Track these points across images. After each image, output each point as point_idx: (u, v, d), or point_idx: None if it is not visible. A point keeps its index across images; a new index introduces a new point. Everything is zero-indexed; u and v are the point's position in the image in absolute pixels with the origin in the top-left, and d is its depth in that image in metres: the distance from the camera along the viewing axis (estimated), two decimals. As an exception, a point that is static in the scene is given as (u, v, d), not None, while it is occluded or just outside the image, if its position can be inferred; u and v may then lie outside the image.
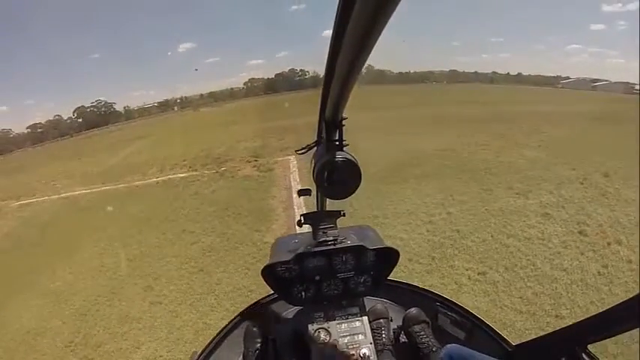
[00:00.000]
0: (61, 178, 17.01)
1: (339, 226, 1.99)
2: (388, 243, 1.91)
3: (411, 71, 69.94)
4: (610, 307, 1.26)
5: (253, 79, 71.42)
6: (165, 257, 6.88)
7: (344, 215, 1.95)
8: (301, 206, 8.04)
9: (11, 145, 53.82)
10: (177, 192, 10.82)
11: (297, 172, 11.09)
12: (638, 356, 3.45)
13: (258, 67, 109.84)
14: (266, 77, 72.19)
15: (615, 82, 50.21)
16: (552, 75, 63.55)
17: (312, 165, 1.45)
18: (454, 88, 50.15)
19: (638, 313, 1.15)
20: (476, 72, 69.22)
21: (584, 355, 1.40)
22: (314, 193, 1.92)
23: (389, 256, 1.90)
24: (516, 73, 67.66)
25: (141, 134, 29.03)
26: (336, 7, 0.66)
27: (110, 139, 31.93)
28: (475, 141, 13.33)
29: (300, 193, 2.14)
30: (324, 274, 1.89)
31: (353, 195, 1.41)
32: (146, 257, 7.07)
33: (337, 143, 1.40)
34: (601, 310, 1.31)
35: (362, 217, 6.94)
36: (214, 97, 65.77)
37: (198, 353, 2.02)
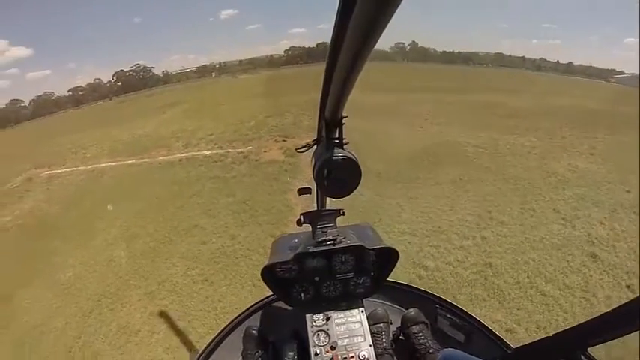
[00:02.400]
0: (91, 146, 17.33)
1: (338, 225, 1.94)
2: (388, 242, 1.88)
3: (456, 51, 66.07)
4: (610, 309, 1.22)
5: (294, 47, 69.32)
6: (172, 257, 6.55)
7: (344, 214, 1.90)
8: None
9: (54, 107, 55.98)
10: (198, 174, 10.45)
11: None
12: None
13: (300, 35, 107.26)
14: (307, 46, 69.02)
15: (675, 84, 44.74)
16: (605, 68, 57.73)
17: (312, 163, 1.44)
18: (499, 72, 46.61)
19: (639, 315, 1.10)
20: (523, 57, 64.22)
21: (583, 358, 1.37)
22: (314, 191, 2.02)
23: (389, 256, 1.89)
24: (567, 62, 62.14)
25: (175, 101, 28.76)
26: (336, 7, 0.69)
27: (144, 105, 32.04)
28: (520, 141, 11.93)
29: (300, 191, 2.20)
30: (324, 275, 1.89)
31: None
32: (154, 254, 6.76)
33: (337, 142, 1.42)
34: (601, 313, 1.27)
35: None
36: (253, 64, 64.51)
37: (198, 354, 2.04)
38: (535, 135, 12.63)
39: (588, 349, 1.36)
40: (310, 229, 1.90)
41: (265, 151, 11.65)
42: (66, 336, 5.29)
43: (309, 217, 1.88)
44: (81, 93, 59.13)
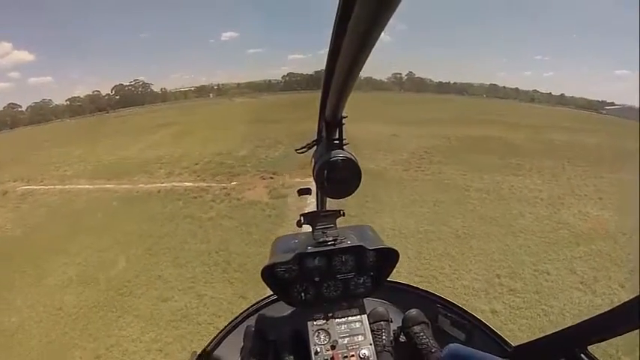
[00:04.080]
0: (75, 163, 16.70)
1: (338, 226, 1.92)
2: (388, 243, 1.85)
3: (451, 82, 67.95)
4: (610, 308, 1.23)
5: (292, 73, 70.19)
6: (127, 314, 5.62)
7: (343, 215, 1.89)
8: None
9: (51, 114, 55.79)
10: (174, 210, 9.56)
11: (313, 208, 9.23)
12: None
13: (299, 61, 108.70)
14: (305, 73, 69.78)
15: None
16: (597, 99, 58.61)
17: (312, 164, 1.46)
18: (495, 104, 46.42)
19: (638, 314, 1.11)
20: (517, 89, 66.04)
21: (583, 356, 1.37)
22: (314, 192, 2.01)
23: (389, 257, 1.88)
24: (559, 93, 63.81)
25: (168, 121, 28.31)
26: (336, 7, 0.68)
27: (138, 123, 31.63)
28: (525, 183, 11.19)
29: (300, 192, 2.25)
30: (324, 275, 1.87)
31: None
32: (108, 307, 5.85)
33: (337, 142, 1.43)
34: (600, 312, 1.27)
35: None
36: (251, 88, 64.96)
37: (198, 353, 1.98)
38: (539, 176, 11.96)
39: (588, 347, 1.37)
40: (310, 230, 1.87)
41: (249, 189, 10.81)
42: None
43: (309, 218, 1.86)
44: (79, 103, 58.94)
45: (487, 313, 5.26)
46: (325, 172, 1.32)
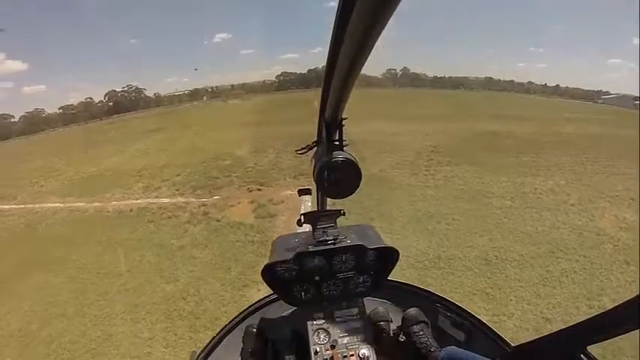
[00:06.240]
0: (53, 176, 15.55)
1: (338, 225, 1.83)
2: (388, 242, 1.74)
3: (446, 76, 66.68)
4: (609, 308, 1.17)
5: (286, 72, 68.76)
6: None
7: (344, 214, 1.78)
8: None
9: (44, 124, 53.77)
10: (144, 235, 8.06)
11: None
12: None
13: (293, 61, 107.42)
14: (298, 72, 68.42)
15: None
16: (592, 89, 57.64)
17: (313, 165, 1.45)
18: (492, 97, 45.31)
19: (637, 314, 1.06)
20: (512, 81, 64.68)
21: (583, 357, 1.33)
22: (314, 192, 1.94)
23: (389, 256, 1.79)
24: (554, 84, 62.69)
25: (157, 127, 26.95)
26: (336, 7, 0.67)
27: (127, 130, 30.30)
28: (549, 185, 9.75)
29: (301, 192, 2.23)
30: (324, 275, 1.78)
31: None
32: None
33: (337, 143, 1.40)
34: (600, 312, 1.21)
35: None
36: (245, 89, 63.58)
37: (198, 353, 1.91)
38: (560, 175, 10.66)
39: (587, 347, 1.32)
40: (310, 230, 1.77)
41: (232, 205, 9.26)
42: None
43: (309, 218, 1.76)
44: (72, 111, 57.33)
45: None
46: (325, 172, 1.31)
